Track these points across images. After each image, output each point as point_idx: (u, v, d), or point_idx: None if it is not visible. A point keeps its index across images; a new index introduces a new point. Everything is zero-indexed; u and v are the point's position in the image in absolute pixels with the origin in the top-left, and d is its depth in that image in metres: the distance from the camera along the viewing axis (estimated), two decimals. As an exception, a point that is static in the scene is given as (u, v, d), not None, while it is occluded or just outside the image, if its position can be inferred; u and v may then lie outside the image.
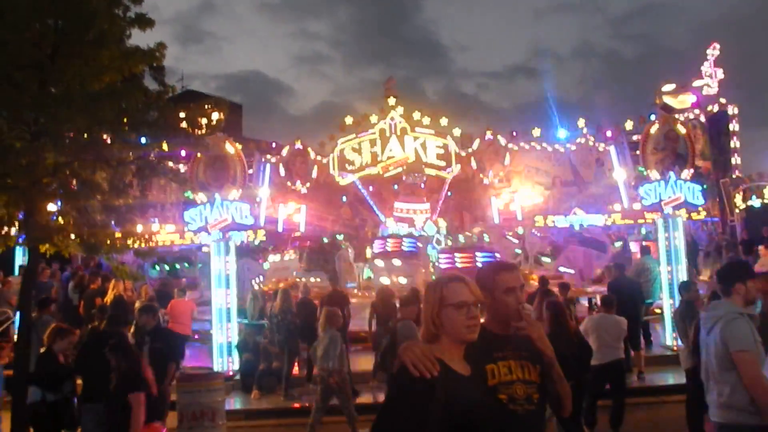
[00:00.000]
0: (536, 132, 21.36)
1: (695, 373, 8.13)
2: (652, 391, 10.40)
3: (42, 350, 7.98)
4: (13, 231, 9.18)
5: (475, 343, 2.70)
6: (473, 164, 21.22)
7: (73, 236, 8.91)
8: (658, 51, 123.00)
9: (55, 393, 7.64)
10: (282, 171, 20.82)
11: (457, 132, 21.58)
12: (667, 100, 17.69)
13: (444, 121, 21.29)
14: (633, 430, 8.52)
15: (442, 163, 21.21)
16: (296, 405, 10.74)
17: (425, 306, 2.74)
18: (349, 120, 21.47)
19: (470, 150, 21.33)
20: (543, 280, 11.70)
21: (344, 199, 21.82)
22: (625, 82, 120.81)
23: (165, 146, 9.37)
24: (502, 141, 21.15)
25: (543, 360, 2.98)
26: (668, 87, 18.32)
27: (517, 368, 2.96)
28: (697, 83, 19.43)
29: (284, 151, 21.06)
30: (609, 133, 20.30)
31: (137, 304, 11.04)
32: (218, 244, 12.38)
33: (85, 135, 8.61)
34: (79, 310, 13.95)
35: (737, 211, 19.03)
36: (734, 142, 19.98)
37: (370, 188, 21.78)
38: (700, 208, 14.12)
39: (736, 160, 19.97)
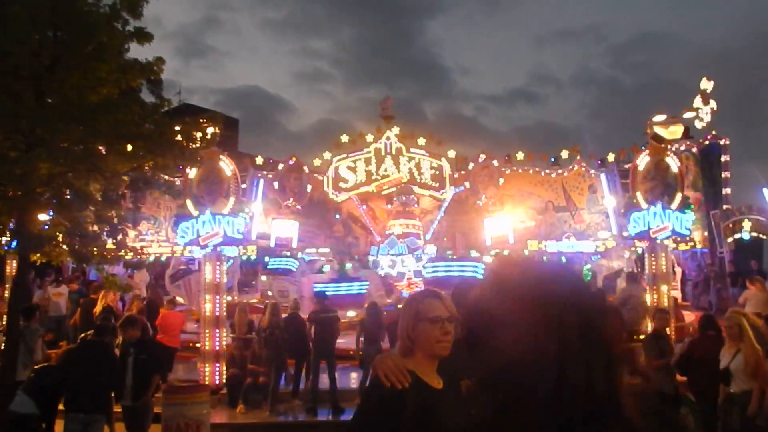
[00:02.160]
0: (520, 154, 21.61)
1: (661, 398, 8.19)
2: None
3: (46, 364, 8.08)
4: (4, 239, 9.23)
5: (451, 357, 2.78)
6: (467, 185, 21.37)
7: (64, 246, 8.98)
8: (657, 81, 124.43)
9: (49, 408, 7.69)
10: (276, 186, 20.92)
11: (452, 154, 21.76)
12: (658, 130, 17.89)
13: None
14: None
15: (436, 184, 21.37)
16: (282, 420, 10.74)
17: (401, 320, 2.82)
18: (345, 138, 21.66)
19: (464, 172, 21.51)
20: None
21: (337, 216, 21.90)
22: (623, 111, 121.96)
23: (159, 159, 9.46)
24: (496, 164, 21.33)
25: None
26: (659, 118, 18.53)
27: (492, 384, 3.04)
28: (687, 115, 19.66)
29: (280, 166, 21.20)
30: (599, 161, 20.55)
31: (125, 315, 11.06)
32: (210, 257, 12.43)
33: (80, 146, 8.69)
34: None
35: (726, 242, 19.15)
36: (725, 175, 20.17)
37: (364, 207, 21.90)
38: (688, 238, 14.24)
39: (726, 192, 20.14)
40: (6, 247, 9.68)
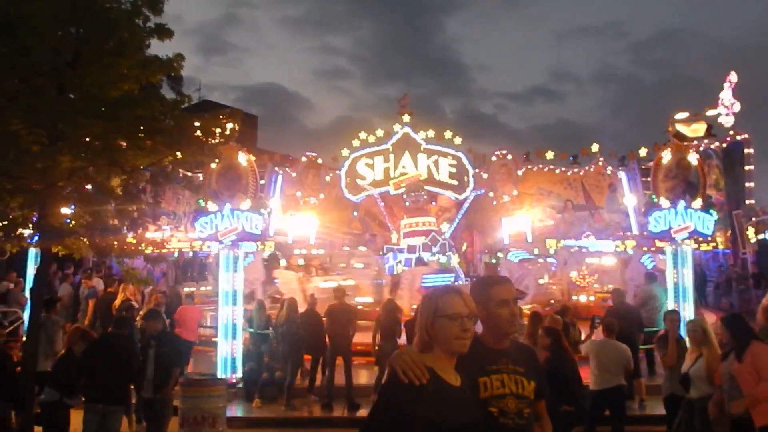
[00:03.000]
0: (549, 154, 21.42)
1: (672, 401, 8.07)
2: (652, 419, 10.30)
3: (62, 352, 8.22)
4: (27, 232, 9.33)
5: (469, 355, 2.75)
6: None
7: (84, 239, 9.06)
8: (679, 78, 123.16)
9: (71, 395, 7.82)
10: (294, 183, 21.00)
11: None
12: (680, 128, 17.65)
13: (448, 134, 21.37)
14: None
15: (455, 183, 21.24)
16: (297, 415, 10.77)
17: (420, 316, 2.79)
18: (371, 138, 21.50)
19: (482, 173, 21.41)
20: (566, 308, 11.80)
21: (355, 213, 21.91)
22: (643, 108, 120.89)
23: (179, 154, 9.50)
24: (515, 162, 21.25)
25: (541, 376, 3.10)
26: (681, 115, 18.29)
27: (510, 382, 3.01)
28: (710, 113, 19.40)
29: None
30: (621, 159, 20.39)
31: (143, 309, 11.15)
32: (227, 252, 12.47)
33: (101, 141, 8.75)
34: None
35: (749, 243, 18.88)
36: (749, 174, 19.88)
37: (382, 204, 21.88)
38: (710, 238, 14.05)
39: (750, 192, 19.85)
40: (28, 240, 9.77)
